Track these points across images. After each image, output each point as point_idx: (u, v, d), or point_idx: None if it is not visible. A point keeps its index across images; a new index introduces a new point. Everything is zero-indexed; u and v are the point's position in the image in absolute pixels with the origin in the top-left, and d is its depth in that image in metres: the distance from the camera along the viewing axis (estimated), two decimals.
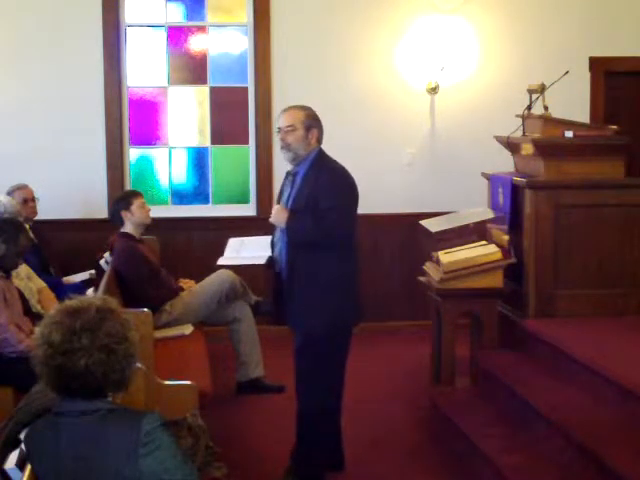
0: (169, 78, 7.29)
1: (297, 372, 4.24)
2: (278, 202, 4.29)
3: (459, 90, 7.25)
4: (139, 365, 2.47)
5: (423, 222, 5.53)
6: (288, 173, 4.32)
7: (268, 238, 4.38)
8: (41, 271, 5.70)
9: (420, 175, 7.29)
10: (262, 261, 4.28)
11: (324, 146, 4.26)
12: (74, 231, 6.94)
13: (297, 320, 4.17)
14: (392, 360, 6.41)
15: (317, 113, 4.23)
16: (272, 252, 4.31)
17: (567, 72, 5.50)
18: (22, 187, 6.17)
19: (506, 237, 5.29)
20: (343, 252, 4.16)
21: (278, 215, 4.13)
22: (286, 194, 4.23)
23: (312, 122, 4.17)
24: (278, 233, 4.24)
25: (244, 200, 7.35)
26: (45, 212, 6.45)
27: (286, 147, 4.13)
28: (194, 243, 7.07)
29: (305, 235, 4.07)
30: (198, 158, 7.40)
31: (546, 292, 5.14)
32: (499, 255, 5.15)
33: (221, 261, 4.50)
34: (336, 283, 4.13)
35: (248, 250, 4.46)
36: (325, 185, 4.06)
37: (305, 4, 7.14)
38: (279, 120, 4.20)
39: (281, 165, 7.13)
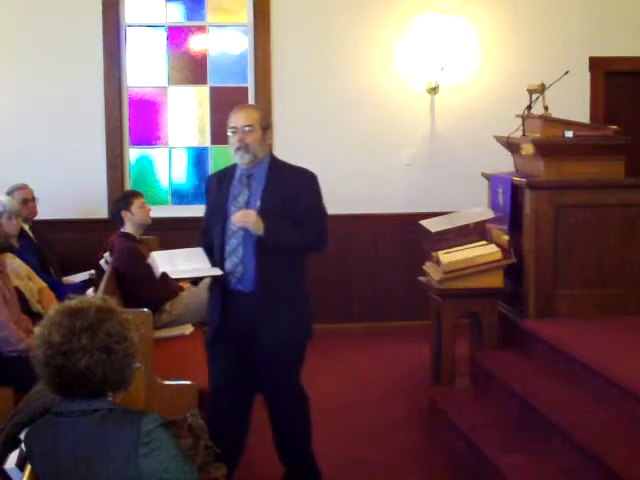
0: (169, 78, 7.29)
1: (275, 384, 4.03)
2: (223, 205, 3.95)
3: (459, 90, 7.25)
4: (139, 365, 2.47)
5: (423, 222, 5.53)
6: (219, 174, 4.11)
7: (197, 250, 4.04)
8: (41, 271, 5.69)
9: (420, 175, 7.29)
10: (218, 272, 3.90)
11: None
12: (74, 231, 6.94)
13: (271, 332, 3.88)
14: (392, 360, 6.41)
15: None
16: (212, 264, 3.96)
17: (567, 72, 5.50)
18: (22, 187, 6.18)
19: (506, 237, 5.29)
20: (306, 258, 4.05)
21: (256, 220, 3.79)
22: (242, 197, 3.92)
23: (268, 122, 3.99)
24: (234, 242, 3.91)
25: None
26: (45, 212, 6.44)
27: (244, 148, 3.85)
28: (194, 243, 7.04)
29: (289, 239, 3.86)
30: (198, 158, 7.40)
31: (546, 292, 5.14)
32: (499, 255, 5.15)
33: (174, 274, 3.97)
34: (308, 289, 4.04)
35: (185, 263, 3.97)
36: (303, 186, 3.91)
37: (305, 4, 7.14)
38: (233, 120, 3.91)
39: None
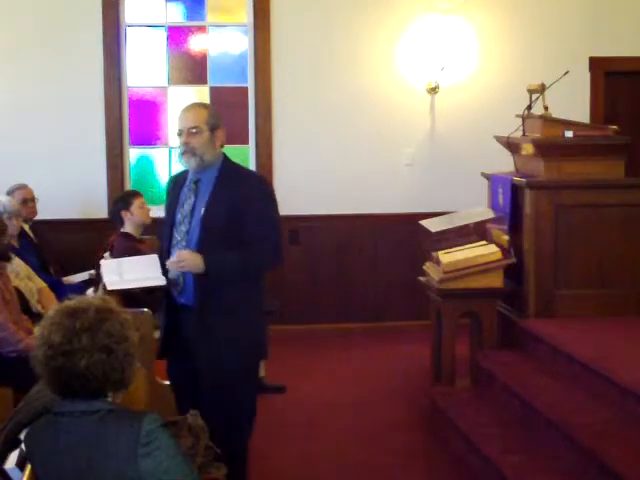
0: (169, 78, 7.30)
1: (216, 408, 3.53)
2: (173, 211, 3.68)
3: (459, 90, 7.25)
4: (138, 365, 2.47)
5: (423, 222, 5.53)
6: (177, 177, 3.81)
7: (151, 257, 3.77)
8: (41, 271, 5.69)
9: (420, 175, 7.29)
10: (162, 282, 3.61)
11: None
12: (74, 231, 6.94)
13: (211, 353, 3.55)
14: (392, 360, 6.41)
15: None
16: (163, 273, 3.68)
17: (567, 72, 5.50)
18: (22, 187, 6.18)
19: (506, 237, 5.29)
20: (259, 277, 3.73)
21: (193, 260, 3.46)
22: (188, 204, 3.63)
23: (217, 122, 3.61)
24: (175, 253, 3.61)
25: None
26: (45, 212, 6.44)
27: (190, 152, 3.54)
28: None
29: (237, 267, 3.54)
30: None
31: (546, 292, 5.14)
32: (499, 255, 5.15)
33: (112, 286, 3.69)
34: (256, 312, 3.68)
35: (133, 272, 3.75)
36: (255, 196, 3.57)
37: (305, 4, 7.14)
38: (180, 121, 3.63)
39: (281, 165, 7.17)
